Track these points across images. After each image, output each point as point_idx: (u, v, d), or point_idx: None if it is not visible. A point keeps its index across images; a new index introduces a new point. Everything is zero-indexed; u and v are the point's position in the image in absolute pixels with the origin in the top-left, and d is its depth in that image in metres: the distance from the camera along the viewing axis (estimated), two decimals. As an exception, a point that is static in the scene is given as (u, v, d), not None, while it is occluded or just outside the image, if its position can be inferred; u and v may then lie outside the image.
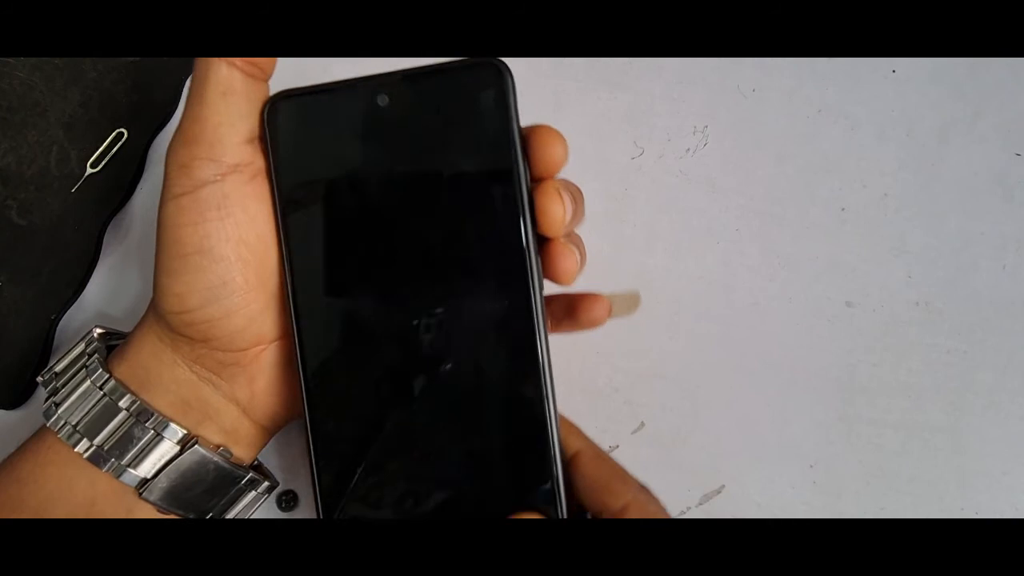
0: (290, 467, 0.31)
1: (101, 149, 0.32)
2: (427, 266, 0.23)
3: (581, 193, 0.25)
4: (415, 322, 0.23)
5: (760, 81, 0.33)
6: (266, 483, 0.27)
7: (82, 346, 0.26)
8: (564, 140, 0.23)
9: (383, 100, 0.23)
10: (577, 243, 0.25)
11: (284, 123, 0.23)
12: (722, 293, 0.32)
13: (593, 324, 0.25)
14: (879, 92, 0.33)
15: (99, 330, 0.27)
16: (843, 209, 0.32)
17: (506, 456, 0.24)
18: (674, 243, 0.32)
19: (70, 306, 0.31)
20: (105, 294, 0.32)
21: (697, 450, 0.31)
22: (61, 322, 0.31)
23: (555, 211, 0.22)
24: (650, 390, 0.32)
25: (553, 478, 0.23)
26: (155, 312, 0.24)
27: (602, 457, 0.24)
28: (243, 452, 0.26)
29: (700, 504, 0.31)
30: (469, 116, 0.23)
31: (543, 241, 0.23)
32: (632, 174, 0.33)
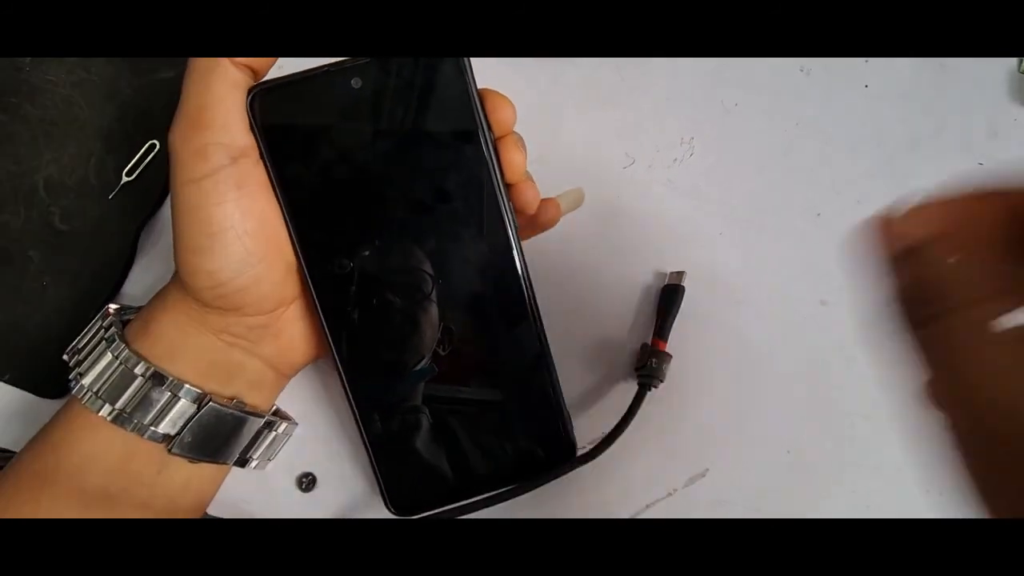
0: (310, 452, 0.33)
1: (135, 159, 0.35)
2: (415, 218, 0.27)
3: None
4: (413, 267, 0.27)
5: (742, 97, 0.35)
6: (285, 424, 0.30)
7: (99, 322, 0.29)
8: (511, 102, 0.26)
9: (356, 82, 0.25)
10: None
11: (268, 110, 0.25)
12: (705, 293, 0.34)
13: (550, 224, 0.29)
14: (852, 106, 0.35)
15: (113, 306, 0.30)
16: (819, 215, 0.35)
17: (512, 380, 0.29)
18: (661, 247, 0.35)
19: (108, 304, 0.34)
20: (140, 293, 0.35)
21: (683, 437, 0.34)
22: (100, 319, 0.34)
23: (517, 160, 0.26)
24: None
25: (552, 382, 0.29)
26: (181, 289, 0.26)
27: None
28: (263, 398, 0.29)
29: (686, 486, 0.33)
30: (435, 89, 0.26)
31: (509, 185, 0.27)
32: (624, 182, 0.35)
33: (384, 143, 0.26)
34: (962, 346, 0.17)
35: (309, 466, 0.33)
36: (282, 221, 0.26)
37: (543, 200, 0.29)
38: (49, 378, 0.33)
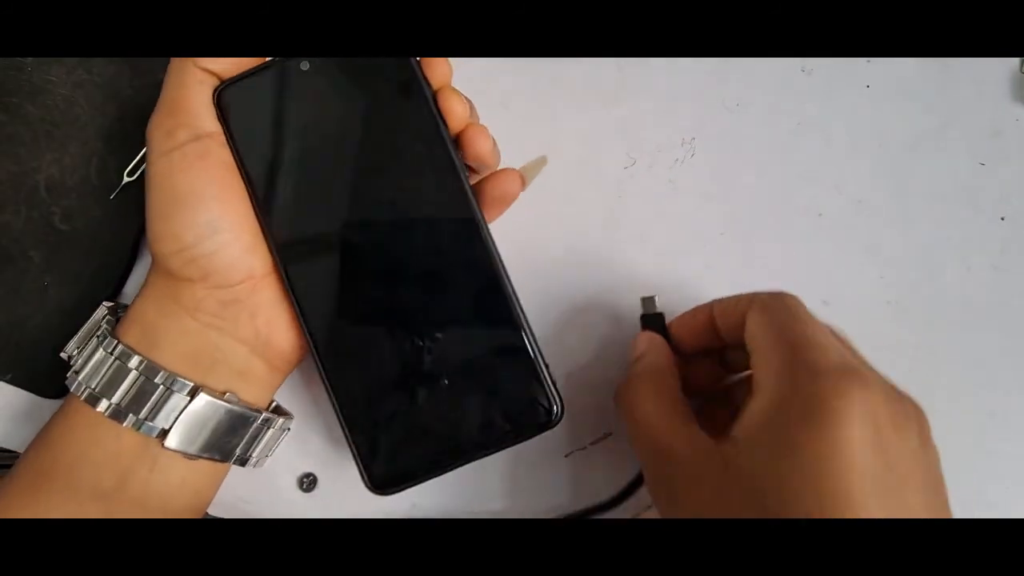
0: (311, 452, 0.34)
1: (137, 159, 0.35)
2: (373, 183, 0.28)
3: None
4: (374, 232, 0.28)
5: (743, 96, 0.35)
6: (281, 420, 0.30)
7: (92, 321, 0.29)
8: (447, 61, 0.28)
9: (304, 65, 0.28)
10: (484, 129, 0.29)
11: (229, 100, 0.28)
12: (708, 293, 0.34)
13: (513, 195, 0.29)
14: (854, 106, 0.35)
15: (107, 304, 0.30)
16: (820, 215, 0.35)
17: (488, 352, 0.28)
18: (663, 246, 0.35)
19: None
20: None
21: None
22: (101, 319, 0.34)
23: (456, 106, 0.27)
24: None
25: (532, 353, 0.28)
26: (156, 269, 0.28)
27: (726, 298, 0.29)
28: (257, 393, 0.29)
29: (687, 487, 0.33)
30: (380, 68, 0.28)
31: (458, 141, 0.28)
32: (625, 182, 0.35)
33: (335, 116, 0.28)
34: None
35: (310, 466, 0.33)
36: (247, 197, 0.28)
37: (503, 170, 0.29)
38: (50, 378, 0.33)
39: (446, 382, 0.28)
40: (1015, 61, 0.35)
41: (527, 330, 0.28)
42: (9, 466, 0.28)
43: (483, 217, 0.28)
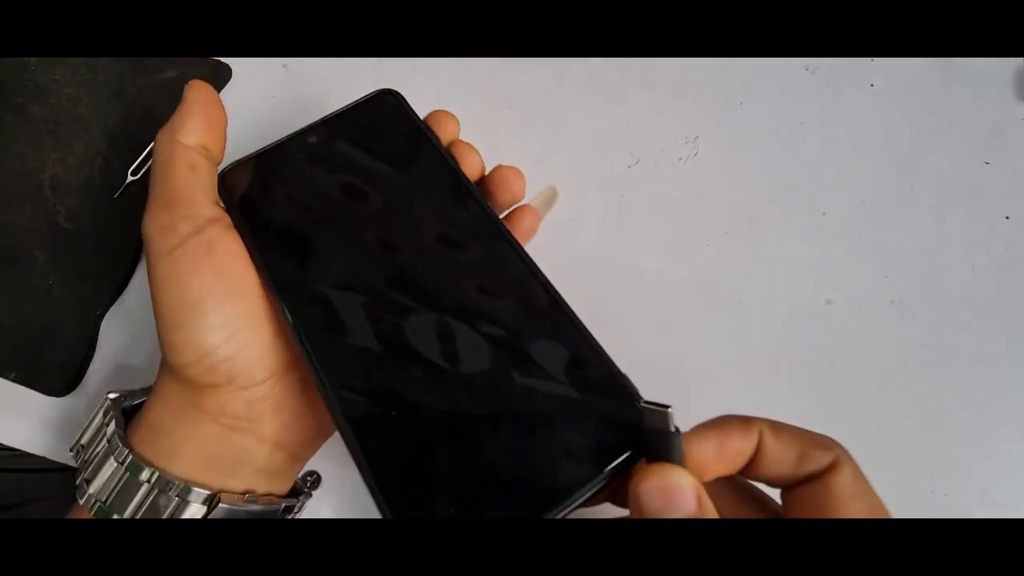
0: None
1: (141, 158, 0.35)
2: (396, 245, 0.26)
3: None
4: (406, 294, 0.25)
5: (747, 95, 0.35)
6: (300, 504, 0.28)
7: (101, 416, 0.27)
8: (451, 113, 0.28)
9: (312, 139, 0.28)
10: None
11: (236, 183, 0.27)
12: (711, 291, 0.34)
13: (530, 232, 0.28)
14: (858, 105, 0.35)
15: (112, 395, 0.28)
16: (824, 213, 0.35)
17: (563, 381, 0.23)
18: (667, 245, 0.35)
19: (114, 303, 0.34)
20: (146, 291, 0.35)
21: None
22: (106, 317, 0.34)
23: (472, 158, 0.27)
24: (644, 380, 0.34)
25: (614, 374, 0.23)
26: (171, 375, 0.25)
27: (781, 427, 0.22)
28: (279, 483, 0.27)
29: (690, 486, 0.33)
30: (383, 126, 0.28)
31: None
32: (629, 181, 0.35)
33: (348, 184, 0.27)
34: None
35: (313, 465, 0.33)
36: (258, 287, 0.25)
37: (519, 208, 0.28)
38: (55, 376, 0.33)
39: (502, 433, 0.22)
40: (1019, 60, 0.35)
41: (593, 340, 0.23)
42: (10, 470, 0.27)
43: (524, 250, 0.25)
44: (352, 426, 0.22)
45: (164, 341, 0.24)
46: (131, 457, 0.25)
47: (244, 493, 0.26)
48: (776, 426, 0.22)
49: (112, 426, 0.26)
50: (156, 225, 0.25)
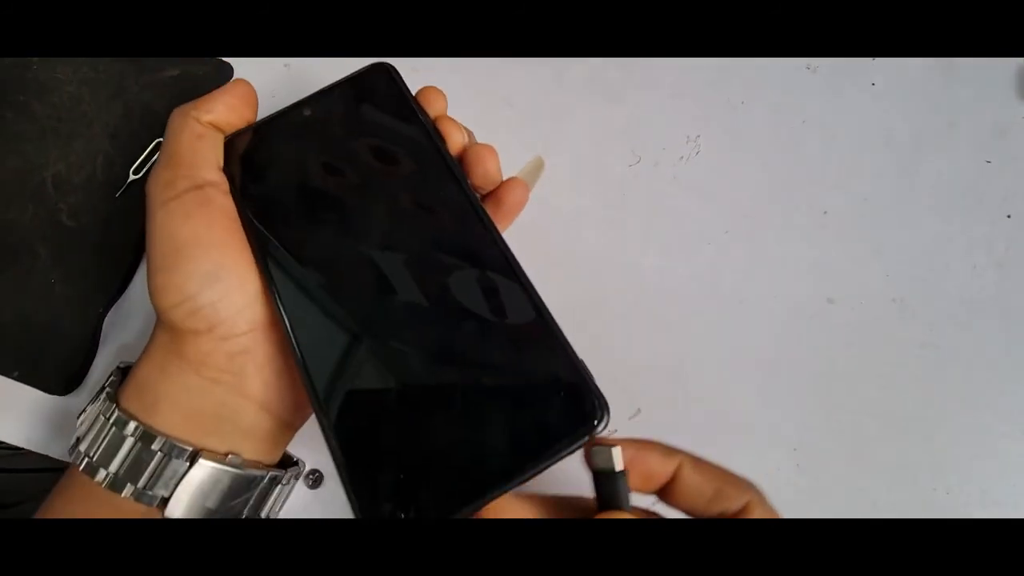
0: (316, 449, 0.33)
1: (143, 157, 0.35)
2: (380, 212, 0.27)
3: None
4: (386, 258, 0.26)
5: (748, 94, 0.35)
6: (288, 475, 0.28)
7: (105, 382, 0.28)
8: (441, 91, 0.28)
9: (307, 111, 0.28)
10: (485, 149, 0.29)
11: (236, 150, 0.28)
12: (712, 291, 0.34)
13: (520, 204, 0.29)
14: (859, 104, 0.35)
15: (122, 364, 0.29)
16: (825, 213, 0.35)
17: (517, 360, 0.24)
18: (668, 244, 0.35)
19: (116, 301, 0.34)
20: (147, 289, 0.35)
21: (690, 434, 0.33)
22: (108, 316, 0.34)
23: (455, 133, 0.27)
24: (646, 380, 0.34)
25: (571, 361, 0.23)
26: (160, 327, 0.26)
27: (704, 463, 0.23)
28: (266, 450, 0.27)
29: (691, 484, 0.33)
30: (374, 99, 0.28)
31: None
32: (630, 180, 0.35)
33: (341, 155, 0.28)
34: None
35: (316, 463, 0.34)
36: (249, 244, 0.26)
37: (507, 180, 0.29)
38: (57, 375, 0.33)
39: (470, 404, 0.23)
40: (1020, 60, 0.35)
41: (558, 330, 0.24)
42: (12, 470, 0.28)
43: (493, 224, 0.26)
44: (316, 390, 0.24)
45: (151, 286, 0.25)
46: (117, 412, 0.25)
47: (226, 454, 0.26)
48: (698, 461, 0.23)
49: (107, 388, 0.27)
50: (158, 181, 0.26)
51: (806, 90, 0.35)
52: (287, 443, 0.29)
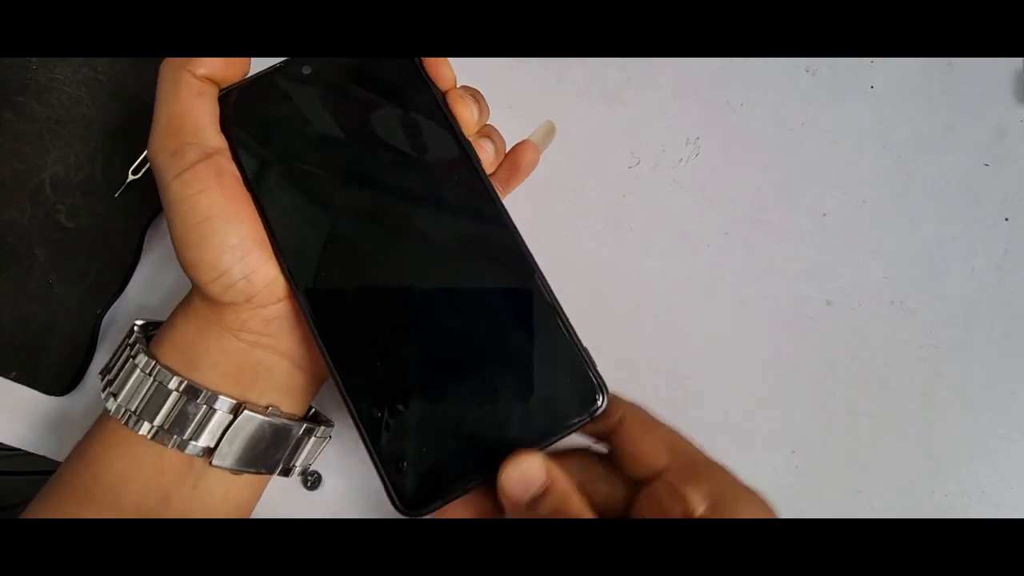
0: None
1: (142, 158, 0.35)
2: (385, 189, 0.26)
3: (480, 93, 0.29)
4: (393, 232, 0.26)
5: (748, 96, 0.35)
6: (322, 428, 0.30)
7: (126, 340, 0.29)
8: (448, 62, 0.28)
9: (306, 69, 0.27)
10: (491, 132, 0.29)
11: (232, 108, 0.27)
12: (711, 292, 0.34)
13: (532, 165, 0.29)
14: (858, 106, 0.35)
15: (139, 322, 0.30)
16: (824, 215, 0.35)
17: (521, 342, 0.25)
18: (668, 246, 0.35)
19: (114, 302, 0.34)
20: (146, 290, 0.35)
21: (689, 435, 0.34)
22: (106, 317, 0.34)
23: (464, 111, 0.27)
24: (645, 382, 0.34)
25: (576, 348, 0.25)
26: (197, 293, 0.27)
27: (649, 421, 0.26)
28: (297, 403, 0.28)
29: (690, 486, 0.33)
30: (381, 65, 0.27)
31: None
32: (629, 182, 0.35)
33: (339, 120, 0.27)
34: None
35: (314, 463, 0.34)
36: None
37: (519, 143, 0.29)
38: (55, 375, 0.33)
39: (478, 380, 0.25)
40: (1019, 61, 0.35)
41: (562, 314, 0.26)
42: (11, 473, 0.28)
43: (507, 212, 0.26)
44: (330, 350, 0.25)
45: (183, 260, 0.26)
46: (159, 367, 0.26)
47: (267, 407, 0.27)
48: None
49: (137, 345, 0.27)
50: (164, 151, 0.25)
51: (806, 93, 0.35)
52: (314, 396, 0.30)
